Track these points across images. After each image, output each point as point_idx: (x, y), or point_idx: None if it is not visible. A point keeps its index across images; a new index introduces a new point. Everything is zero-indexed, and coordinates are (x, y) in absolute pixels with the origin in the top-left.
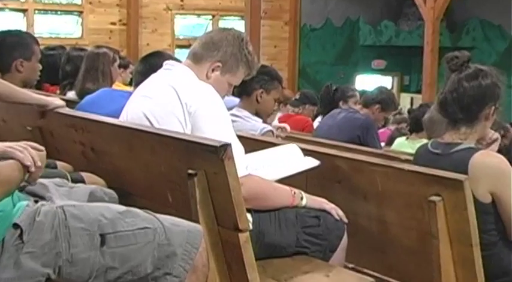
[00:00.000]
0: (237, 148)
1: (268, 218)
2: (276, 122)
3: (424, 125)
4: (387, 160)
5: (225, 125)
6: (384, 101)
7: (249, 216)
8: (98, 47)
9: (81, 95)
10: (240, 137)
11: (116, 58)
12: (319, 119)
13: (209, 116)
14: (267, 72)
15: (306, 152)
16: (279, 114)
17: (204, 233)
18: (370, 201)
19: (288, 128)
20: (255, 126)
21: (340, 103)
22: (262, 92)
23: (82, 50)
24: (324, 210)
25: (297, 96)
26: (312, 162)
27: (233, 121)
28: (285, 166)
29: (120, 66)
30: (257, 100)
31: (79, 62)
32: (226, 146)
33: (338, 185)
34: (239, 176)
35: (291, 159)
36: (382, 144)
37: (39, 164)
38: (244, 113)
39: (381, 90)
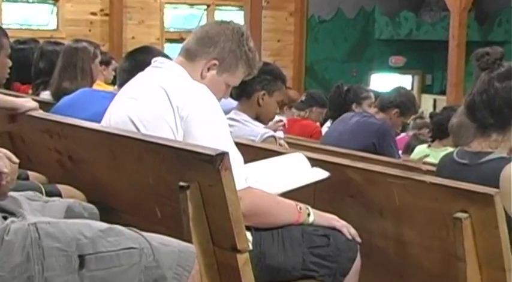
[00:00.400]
0: (235, 157)
1: (271, 237)
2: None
3: (450, 131)
4: (406, 171)
5: (222, 130)
6: (403, 104)
7: (248, 234)
8: (77, 40)
9: (57, 95)
10: (238, 144)
11: (97, 53)
12: (328, 123)
13: (204, 120)
14: (270, 71)
15: (314, 162)
16: (283, 119)
17: (198, 253)
18: (387, 218)
19: (285, 120)
20: (255, 131)
21: (353, 106)
22: (264, 94)
23: (58, 44)
24: (334, 228)
25: (303, 98)
26: (321, 174)
27: (230, 126)
28: (290, 178)
29: (101, 63)
30: (258, 103)
31: (54, 57)
32: (223, 155)
33: (350, 200)
34: (238, 189)
35: (297, 170)
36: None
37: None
38: (243, 117)
39: (400, 91)
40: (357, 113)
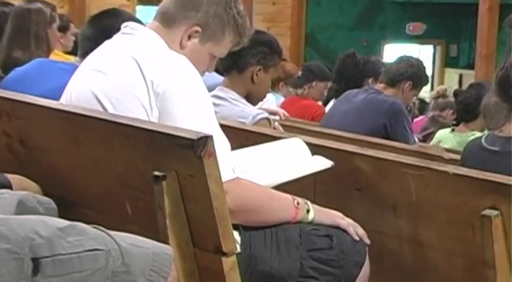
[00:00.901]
0: (221, 142)
1: (263, 238)
2: (270, 105)
3: (482, 113)
4: (425, 160)
5: (205, 110)
6: (415, 75)
7: (236, 234)
8: (30, 1)
9: (6, 67)
10: (224, 127)
11: (55, 17)
12: (331, 102)
13: (183, 98)
14: (267, 43)
15: (314, 148)
16: (280, 98)
17: (175, 256)
18: (402, 216)
19: (281, 113)
20: (246, 112)
21: (370, 81)
22: (259, 70)
23: (6, 4)
24: (338, 228)
25: (299, 73)
26: (323, 163)
27: (215, 105)
28: (286, 168)
29: (59, 28)
30: (252, 79)
31: (2, 21)
32: (206, 139)
33: (358, 194)
34: (224, 180)
35: (295, 158)
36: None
37: None
38: (231, 95)
39: (409, 61)
40: (363, 90)
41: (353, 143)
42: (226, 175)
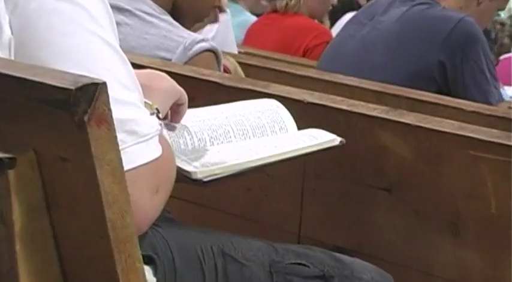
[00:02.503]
0: (127, 95)
1: (199, 273)
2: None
3: None
4: None
5: (95, 36)
6: None
7: (148, 270)
8: None
9: None
10: (136, 67)
11: None
12: (347, 17)
13: (56, 15)
14: None
15: (307, 113)
16: (246, 17)
17: None
18: (467, 242)
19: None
20: (172, 38)
21: None
22: None
23: None
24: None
25: None
26: (324, 138)
27: (119, 25)
28: (258, 145)
29: None
30: None
31: None
32: (94, 90)
33: (385, 197)
34: (136, 163)
35: (269, 130)
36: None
37: None
38: (146, 7)
39: None
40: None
41: (380, 102)
42: (140, 155)
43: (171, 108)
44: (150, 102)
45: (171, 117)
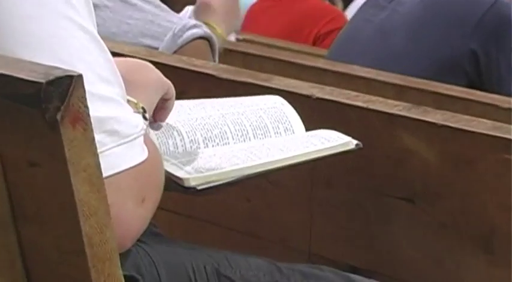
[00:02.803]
0: (106, 89)
1: None
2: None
3: None
4: None
5: (68, 22)
6: None
7: None
8: None
9: None
10: (117, 56)
11: None
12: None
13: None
14: None
15: (318, 109)
16: None
17: None
18: (501, 260)
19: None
20: (160, 24)
21: None
22: None
23: None
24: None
25: None
26: (337, 141)
27: (96, 9)
28: (260, 148)
29: None
30: None
31: None
32: (68, 84)
33: (407, 209)
34: (117, 169)
35: (277, 129)
36: None
37: None
38: None
39: None
40: None
41: (401, 97)
42: (122, 159)
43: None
44: (134, 101)
45: (155, 114)
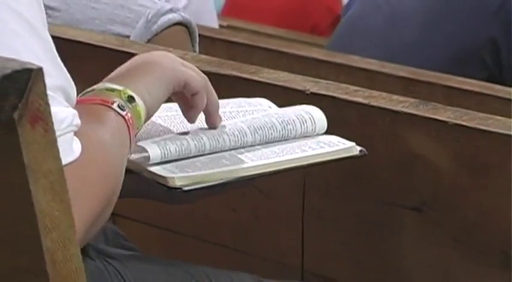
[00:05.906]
0: (60, 84)
1: None
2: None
3: None
4: None
5: (17, 10)
6: None
7: None
8: None
9: None
10: (83, 45)
11: None
12: None
13: None
14: None
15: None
16: None
17: None
18: None
19: None
20: (131, 8)
21: None
22: None
23: None
24: None
25: None
26: (338, 146)
27: None
28: (252, 150)
29: None
30: None
31: None
32: (27, 79)
33: (415, 219)
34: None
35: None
36: None
37: None
38: None
39: None
40: None
41: (408, 92)
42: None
43: (180, 100)
44: (119, 88)
45: (184, 114)
